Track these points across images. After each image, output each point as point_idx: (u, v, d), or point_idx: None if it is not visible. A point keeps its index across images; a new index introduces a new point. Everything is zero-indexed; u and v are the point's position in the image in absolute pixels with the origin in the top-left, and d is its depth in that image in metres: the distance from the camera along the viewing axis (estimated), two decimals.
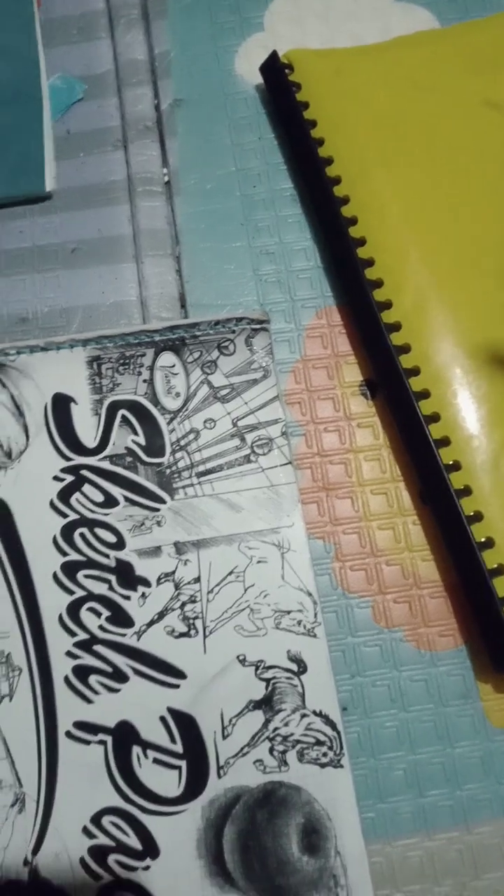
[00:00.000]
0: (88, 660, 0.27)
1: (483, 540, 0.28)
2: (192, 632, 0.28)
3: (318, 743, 0.27)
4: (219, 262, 0.34)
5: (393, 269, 0.31)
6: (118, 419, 0.30)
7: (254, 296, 0.33)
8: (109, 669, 0.27)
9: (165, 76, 0.36)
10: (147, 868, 0.26)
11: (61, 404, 0.30)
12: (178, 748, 0.27)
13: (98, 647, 0.27)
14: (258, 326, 0.31)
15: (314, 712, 0.27)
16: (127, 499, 0.29)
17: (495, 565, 0.28)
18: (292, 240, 0.34)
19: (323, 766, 0.27)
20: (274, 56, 0.35)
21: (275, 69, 0.35)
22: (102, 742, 0.27)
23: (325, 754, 0.27)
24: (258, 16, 0.37)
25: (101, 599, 0.28)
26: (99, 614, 0.28)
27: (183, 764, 0.27)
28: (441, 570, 0.30)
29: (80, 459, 0.29)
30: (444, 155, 0.33)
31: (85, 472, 0.29)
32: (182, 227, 0.34)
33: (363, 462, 0.31)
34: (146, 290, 0.33)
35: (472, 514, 0.28)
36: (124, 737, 0.27)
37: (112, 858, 0.26)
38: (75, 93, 0.36)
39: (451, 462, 0.29)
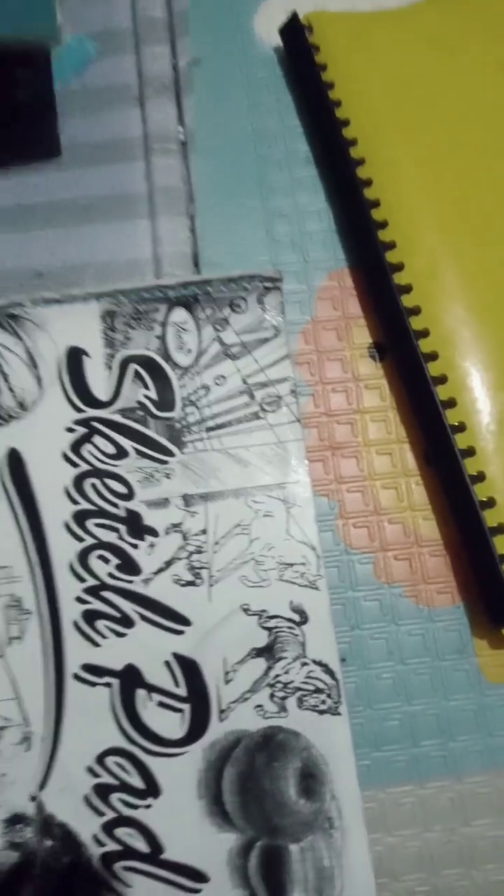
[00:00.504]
0: (97, 605, 0.28)
1: (485, 499, 0.29)
2: (198, 581, 0.28)
3: (318, 691, 0.28)
4: (233, 221, 0.34)
5: (406, 231, 0.32)
6: (130, 373, 0.30)
7: (267, 256, 0.33)
8: (117, 615, 0.28)
9: (183, 35, 0.36)
10: (149, 807, 0.27)
11: (74, 357, 0.30)
12: (182, 692, 0.27)
13: (106, 593, 0.28)
14: (271, 285, 0.31)
15: (314, 661, 0.28)
16: (137, 451, 0.30)
17: (496, 524, 0.28)
18: (306, 201, 0.34)
19: (321, 712, 0.27)
20: (294, 17, 0.35)
21: (294, 30, 0.35)
22: (108, 684, 0.27)
23: (323, 702, 0.28)
24: None
25: (111, 547, 0.29)
26: (108, 561, 0.28)
27: (186, 707, 0.27)
28: (442, 529, 0.30)
29: (91, 412, 0.30)
30: (461, 119, 0.33)
31: (96, 425, 0.30)
32: (197, 186, 0.34)
33: (369, 423, 0.32)
34: (160, 248, 0.33)
35: (475, 473, 0.29)
36: (130, 680, 0.27)
37: (115, 796, 0.27)
38: (87, 52, 0.36)
39: (456, 423, 0.30)
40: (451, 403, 0.30)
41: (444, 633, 0.30)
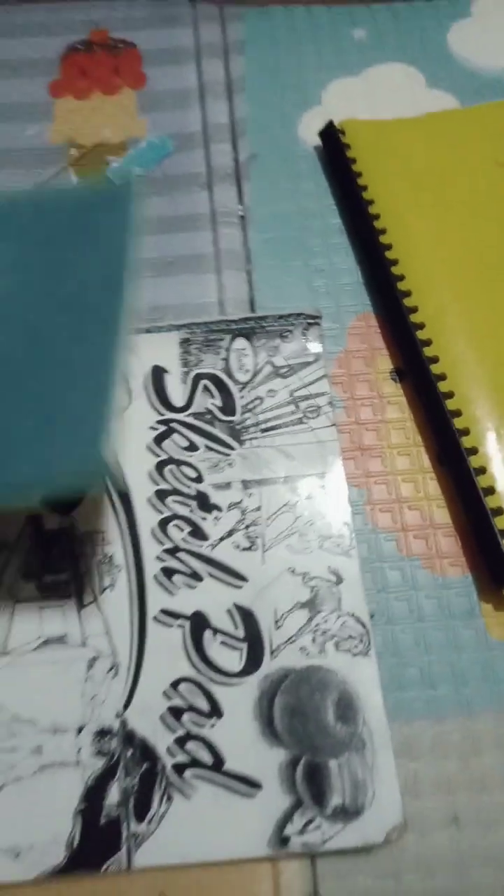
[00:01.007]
0: (173, 563, 0.35)
1: (486, 487, 0.35)
2: (254, 547, 0.35)
3: (351, 637, 0.34)
4: (281, 277, 0.42)
5: (419, 282, 0.40)
6: (201, 387, 0.38)
7: (308, 303, 0.42)
8: (189, 571, 0.35)
9: (242, 136, 0.46)
10: (213, 726, 0.32)
11: (157, 374, 0.38)
12: (241, 634, 0.34)
13: (181, 554, 0.35)
14: (312, 321, 0.39)
15: (348, 614, 0.34)
16: (206, 446, 0.37)
17: (495, 507, 0.35)
18: (339, 261, 0.43)
19: (354, 655, 0.33)
20: (330, 124, 0.45)
21: (330, 134, 0.45)
22: (181, 626, 0.34)
23: (356, 646, 0.34)
24: (317, 93, 0.47)
25: (184, 519, 0.35)
26: (182, 530, 0.35)
27: (244, 646, 0.33)
28: (452, 515, 0.37)
29: (170, 415, 0.37)
30: (463, 198, 0.42)
31: (174, 425, 0.37)
32: (253, 250, 0.43)
33: (391, 430, 0.39)
34: (223, 295, 0.42)
35: (478, 467, 0.36)
36: (199, 623, 0.34)
37: (185, 717, 0.33)
38: (167, 147, 0.46)
39: (462, 428, 0.37)
40: (457, 413, 0.37)
41: (456, 598, 0.36)
